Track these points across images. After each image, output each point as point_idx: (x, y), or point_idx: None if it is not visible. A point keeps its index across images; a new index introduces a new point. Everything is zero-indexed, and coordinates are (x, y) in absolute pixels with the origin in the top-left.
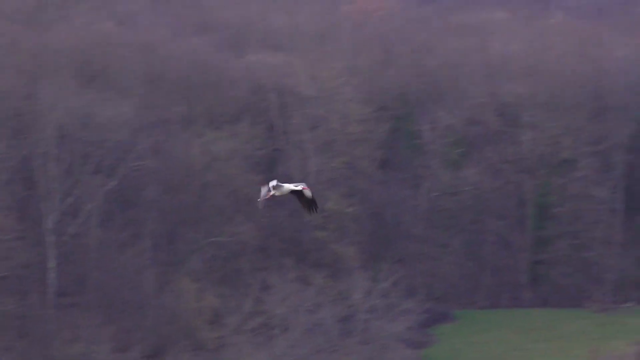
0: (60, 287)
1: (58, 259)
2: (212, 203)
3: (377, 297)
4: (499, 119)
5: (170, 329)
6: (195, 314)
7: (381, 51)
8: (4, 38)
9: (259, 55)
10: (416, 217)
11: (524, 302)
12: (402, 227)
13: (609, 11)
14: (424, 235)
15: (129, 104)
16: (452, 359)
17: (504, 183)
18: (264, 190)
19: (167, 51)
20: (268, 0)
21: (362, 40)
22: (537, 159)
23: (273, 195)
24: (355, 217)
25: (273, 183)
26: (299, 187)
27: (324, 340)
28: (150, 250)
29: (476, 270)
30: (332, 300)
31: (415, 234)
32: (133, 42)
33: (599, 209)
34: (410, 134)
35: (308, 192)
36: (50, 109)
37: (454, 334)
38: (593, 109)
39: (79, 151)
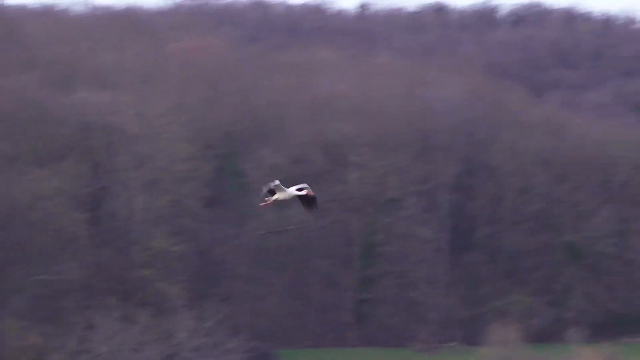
0: None
1: None
2: (37, 241)
3: (201, 335)
4: (325, 158)
5: None
6: (18, 353)
7: (208, 89)
8: None
9: (86, 92)
10: (242, 255)
11: (349, 341)
12: (228, 265)
13: (434, 51)
14: (250, 274)
15: None
16: None
17: (330, 222)
18: (265, 189)
19: None
20: (96, 38)
21: (188, 79)
22: (364, 198)
23: (275, 200)
24: (181, 256)
25: (275, 182)
26: (303, 192)
27: None
28: None
29: (301, 309)
30: (157, 339)
31: (241, 272)
32: None
33: (424, 248)
34: (236, 173)
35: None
36: None
37: None
38: (419, 149)
39: None
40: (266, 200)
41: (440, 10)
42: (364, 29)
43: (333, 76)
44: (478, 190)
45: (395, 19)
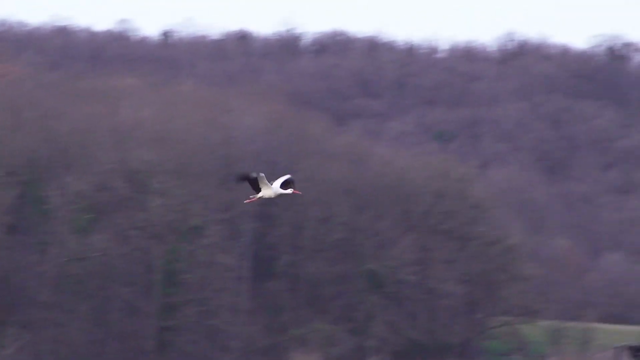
0: None
1: None
2: None
3: None
4: (128, 185)
5: None
6: None
7: (10, 116)
8: None
9: None
10: (43, 282)
11: None
12: (29, 292)
13: (237, 79)
14: (51, 301)
15: None
16: None
17: (132, 249)
18: (252, 175)
19: None
20: None
21: None
22: (166, 225)
23: (260, 198)
24: None
25: (260, 174)
26: (289, 191)
27: None
28: None
29: (103, 337)
30: None
31: (42, 299)
32: None
33: (226, 276)
34: (38, 200)
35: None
36: None
37: None
38: (221, 177)
39: None
40: (251, 198)
41: (244, 38)
42: (168, 56)
43: (136, 103)
44: (280, 219)
45: (199, 47)
